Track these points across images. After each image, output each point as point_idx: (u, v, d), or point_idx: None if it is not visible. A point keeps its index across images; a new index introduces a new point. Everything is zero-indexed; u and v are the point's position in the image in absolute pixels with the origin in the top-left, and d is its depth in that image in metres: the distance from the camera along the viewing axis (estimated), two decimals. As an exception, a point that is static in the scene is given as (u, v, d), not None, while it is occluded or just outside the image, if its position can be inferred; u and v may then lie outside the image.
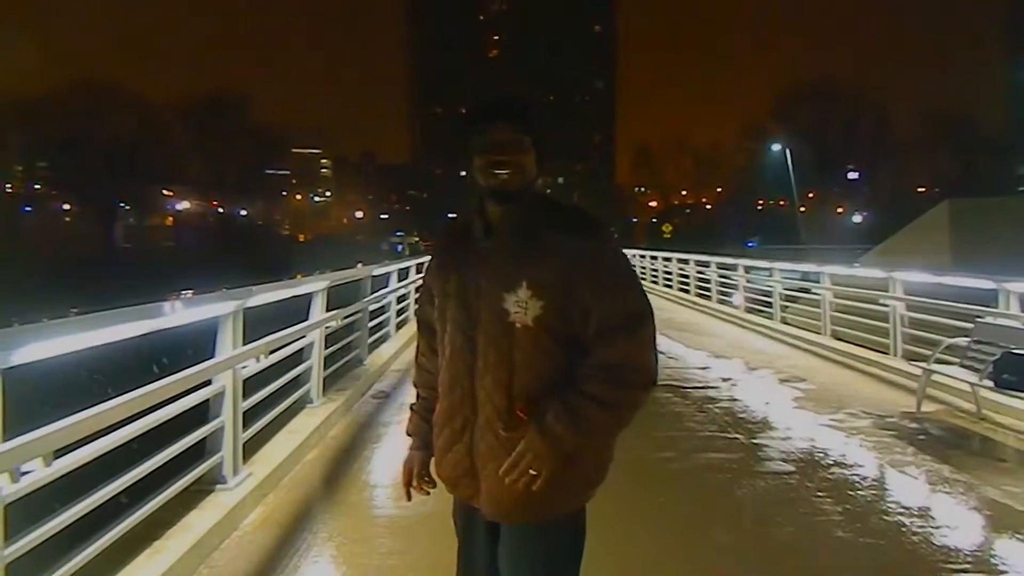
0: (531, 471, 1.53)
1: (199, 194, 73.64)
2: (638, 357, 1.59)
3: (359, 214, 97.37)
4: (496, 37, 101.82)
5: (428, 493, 1.81)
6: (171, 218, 73.91)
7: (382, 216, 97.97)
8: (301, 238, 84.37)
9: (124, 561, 2.86)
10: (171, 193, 72.19)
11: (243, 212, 78.25)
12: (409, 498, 1.83)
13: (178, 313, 3.39)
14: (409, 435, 1.87)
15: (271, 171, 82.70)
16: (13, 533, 2.24)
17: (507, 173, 1.60)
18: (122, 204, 65.27)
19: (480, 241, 1.66)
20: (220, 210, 76.15)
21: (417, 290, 11.06)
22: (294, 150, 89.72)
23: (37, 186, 64.13)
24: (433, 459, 1.77)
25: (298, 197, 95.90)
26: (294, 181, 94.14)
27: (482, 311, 1.61)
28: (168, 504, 3.20)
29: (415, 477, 1.80)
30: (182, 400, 3.40)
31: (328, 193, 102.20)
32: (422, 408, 1.86)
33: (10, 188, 61.71)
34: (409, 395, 1.94)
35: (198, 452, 3.69)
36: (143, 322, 3.02)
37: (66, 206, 64.72)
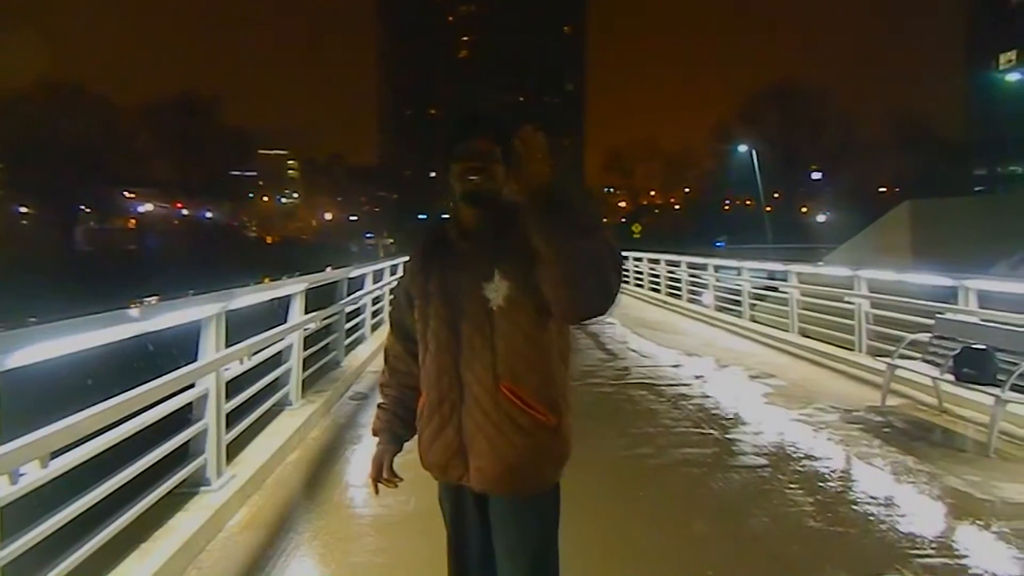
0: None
1: (163, 196, 72.15)
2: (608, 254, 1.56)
3: (328, 215, 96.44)
4: (466, 38, 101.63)
5: (396, 486, 1.95)
6: (134, 220, 72.21)
7: (351, 217, 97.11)
8: (269, 240, 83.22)
9: (113, 564, 2.87)
10: (133, 195, 70.59)
11: (209, 214, 76.90)
12: (376, 492, 1.96)
13: (163, 316, 3.39)
14: (376, 434, 2.01)
15: (237, 172, 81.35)
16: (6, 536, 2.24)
17: (480, 178, 1.77)
18: (82, 207, 63.65)
19: (457, 244, 1.84)
20: (184, 212, 74.75)
21: (391, 292, 11.07)
22: (260, 151, 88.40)
23: (-8, 189, 62.20)
24: (418, 451, 1.88)
25: (265, 199, 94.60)
26: (261, 183, 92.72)
27: (465, 304, 1.78)
28: (154, 506, 3.21)
29: (384, 470, 1.93)
30: (168, 402, 3.40)
31: (296, 195, 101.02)
32: (393, 403, 2.00)
33: (-38, 192, 59.74)
34: (385, 397, 2.05)
35: (182, 454, 3.69)
36: (131, 325, 3.03)
37: (23, 209, 62.87)
